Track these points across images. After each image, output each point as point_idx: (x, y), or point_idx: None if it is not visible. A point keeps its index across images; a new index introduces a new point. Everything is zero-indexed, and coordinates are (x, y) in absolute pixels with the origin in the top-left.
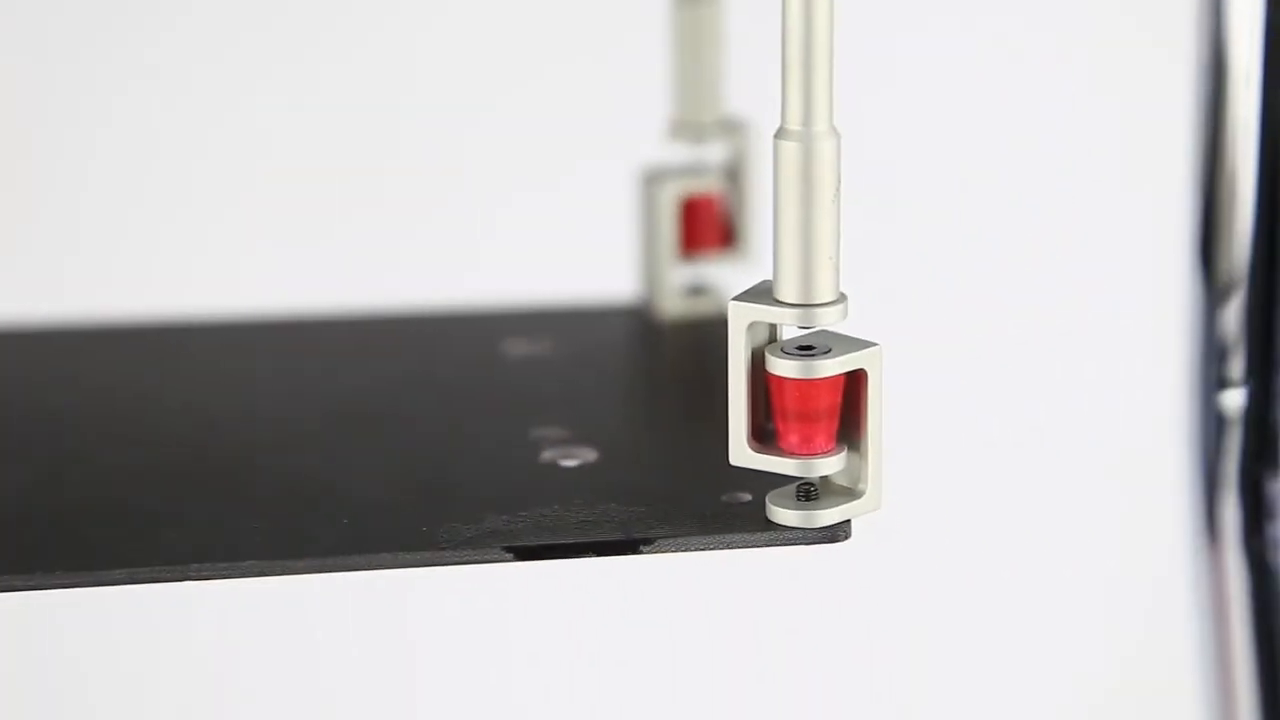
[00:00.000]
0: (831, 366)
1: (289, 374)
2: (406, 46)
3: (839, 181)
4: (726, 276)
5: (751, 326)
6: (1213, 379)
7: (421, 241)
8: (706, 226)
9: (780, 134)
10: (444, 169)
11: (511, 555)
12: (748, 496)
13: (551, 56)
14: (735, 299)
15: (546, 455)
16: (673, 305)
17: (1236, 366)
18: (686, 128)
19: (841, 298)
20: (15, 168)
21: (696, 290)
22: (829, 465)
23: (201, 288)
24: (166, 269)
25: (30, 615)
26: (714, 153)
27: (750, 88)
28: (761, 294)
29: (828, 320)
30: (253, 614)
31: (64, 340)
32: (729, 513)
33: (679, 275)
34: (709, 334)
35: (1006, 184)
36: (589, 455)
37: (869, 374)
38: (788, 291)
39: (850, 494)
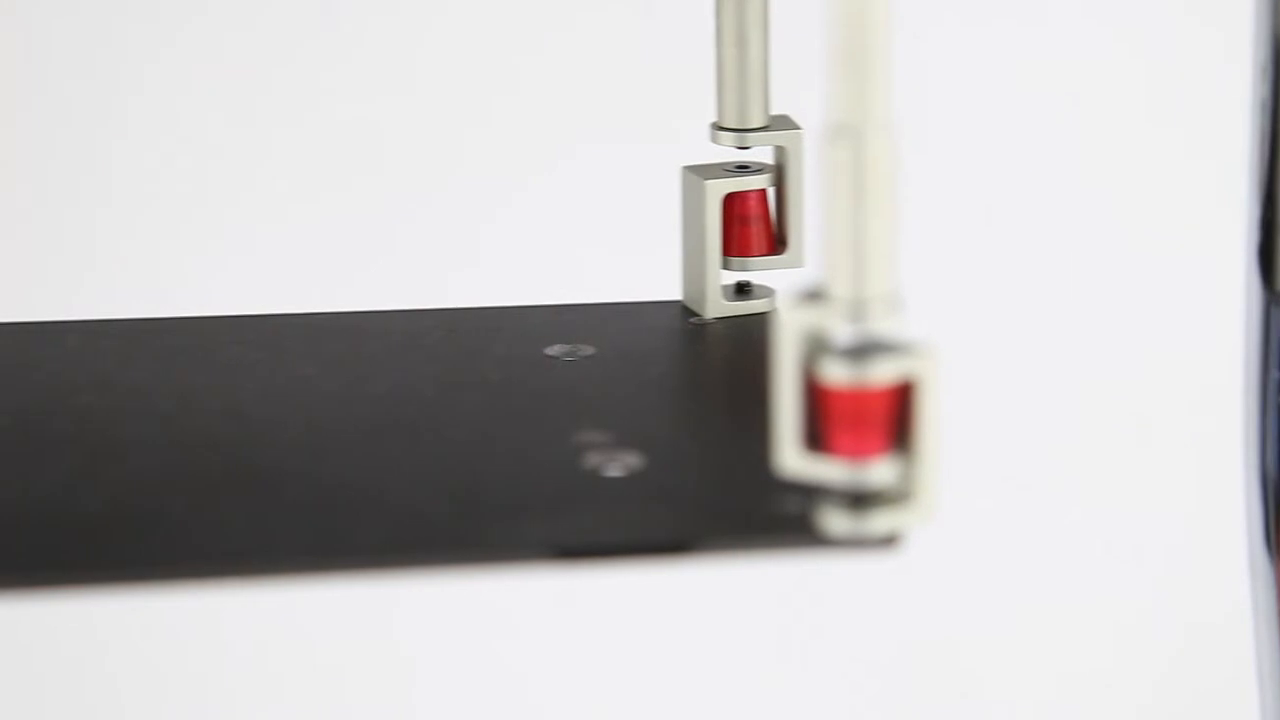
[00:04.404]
0: (884, 372)
1: (327, 374)
2: (452, 45)
3: (892, 179)
4: (772, 277)
5: (800, 329)
6: (1274, 386)
7: (463, 240)
8: (751, 226)
9: (829, 131)
10: (487, 168)
11: (556, 558)
12: (796, 503)
13: (598, 55)
14: (782, 300)
15: (589, 459)
16: (717, 305)
17: None
18: (732, 126)
19: (894, 298)
20: (45, 167)
21: (741, 290)
22: (880, 473)
23: (240, 285)
24: (206, 266)
25: (62, 618)
26: (760, 151)
27: (797, 85)
28: (810, 295)
29: (880, 321)
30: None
31: (99, 338)
32: (776, 520)
33: (723, 275)
34: (754, 335)
35: (1062, 184)
36: (633, 459)
37: (924, 379)
38: (838, 291)
39: (903, 501)
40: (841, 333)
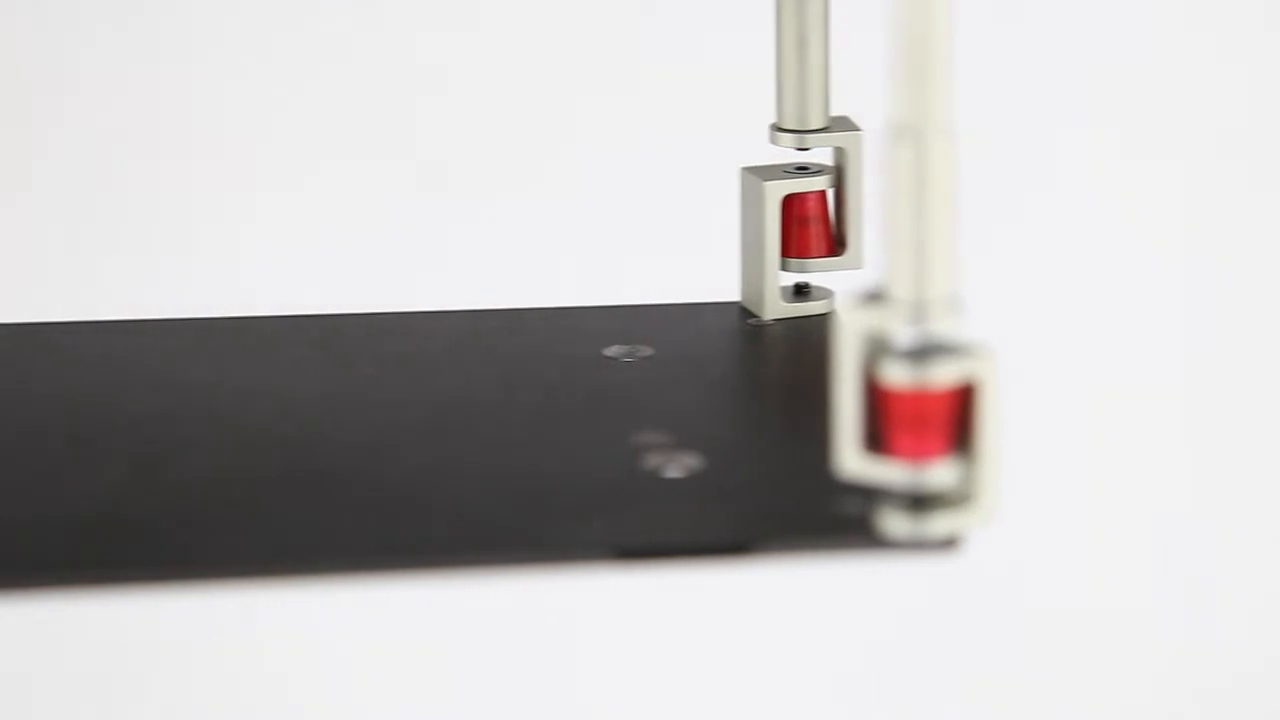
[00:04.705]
0: (945, 374)
1: (387, 374)
2: (511, 43)
3: (953, 181)
4: (830, 278)
5: (860, 331)
6: None
7: (522, 240)
8: (810, 227)
9: (891, 133)
10: (547, 167)
11: (616, 559)
12: (856, 505)
13: (658, 54)
14: (843, 302)
15: (649, 460)
16: (775, 307)
17: None
18: (791, 127)
19: (955, 299)
20: (101, 166)
21: (799, 292)
22: (940, 475)
23: (300, 285)
24: (265, 266)
25: (120, 618)
26: (819, 152)
27: (858, 86)
28: (870, 297)
29: (941, 323)
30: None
31: (158, 337)
32: (836, 521)
33: (782, 276)
34: (812, 336)
35: (1123, 182)
36: (692, 460)
37: (985, 381)
38: (899, 293)
39: (964, 503)
40: (902, 334)
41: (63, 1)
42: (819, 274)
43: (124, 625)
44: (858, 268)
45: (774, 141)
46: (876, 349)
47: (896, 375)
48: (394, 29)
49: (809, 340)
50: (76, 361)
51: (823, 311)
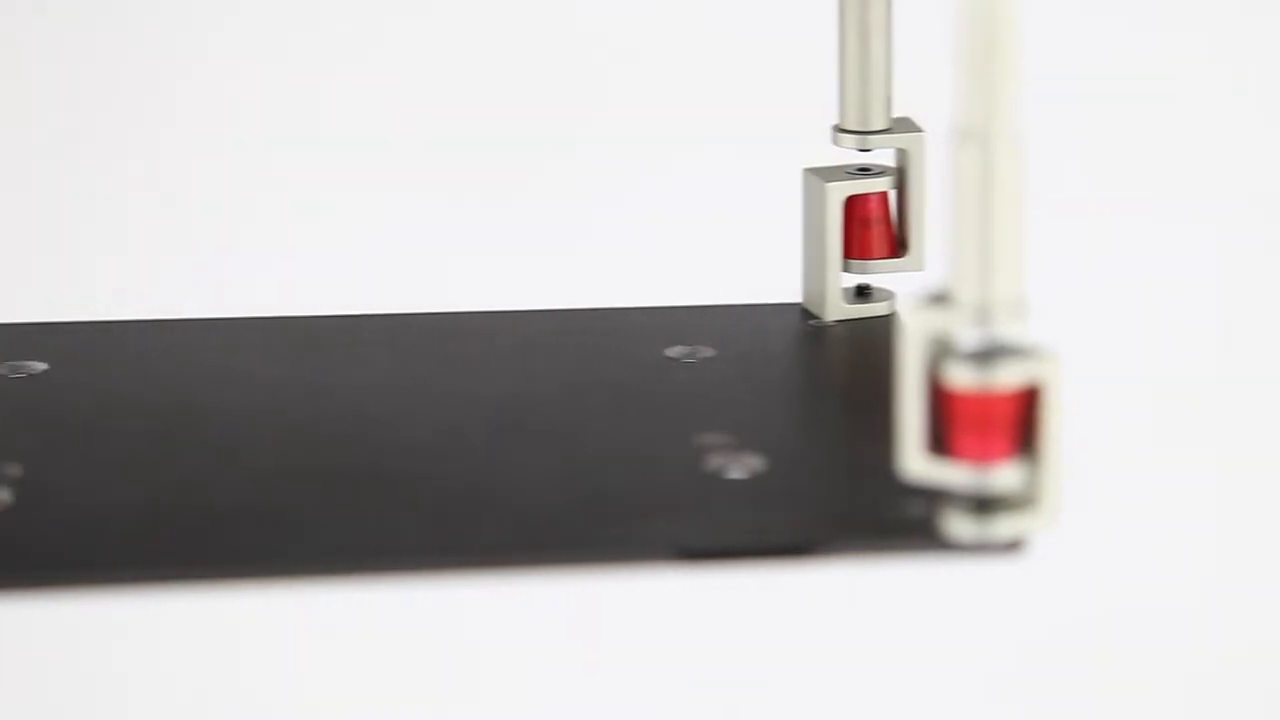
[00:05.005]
0: (1010, 376)
1: (450, 374)
2: (572, 42)
3: (1019, 183)
4: (892, 280)
5: (924, 332)
6: None
7: (583, 241)
8: (872, 228)
9: (957, 135)
10: (608, 167)
11: (679, 559)
12: (919, 507)
13: (720, 54)
14: (907, 304)
15: (711, 461)
16: (837, 308)
17: None
18: (853, 128)
19: (1020, 302)
20: (167, 168)
21: (861, 293)
22: (1005, 477)
23: (363, 284)
24: (331, 265)
25: (187, 612)
26: (881, 153)
27: (920, 86)
28: (935, 298)
29: (1006, 325)
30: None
31: (225, 335)
32: (900, 523)
33: (843, 277)
34: (874, 338)
35: (1188, 180)
36: (754, 461)
37: (1049, 384)
38: (963, 295)
39: (1027, 506)
40: (966, 336)
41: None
42: (880, 275)
43: (191, 620)
44: (919, 269)
45: (836, 143)
46: (940, 351)
47: (961, 377)
48: (458, 23)
49: (871, 342)
50: (146, 359)
51: (884, 313)
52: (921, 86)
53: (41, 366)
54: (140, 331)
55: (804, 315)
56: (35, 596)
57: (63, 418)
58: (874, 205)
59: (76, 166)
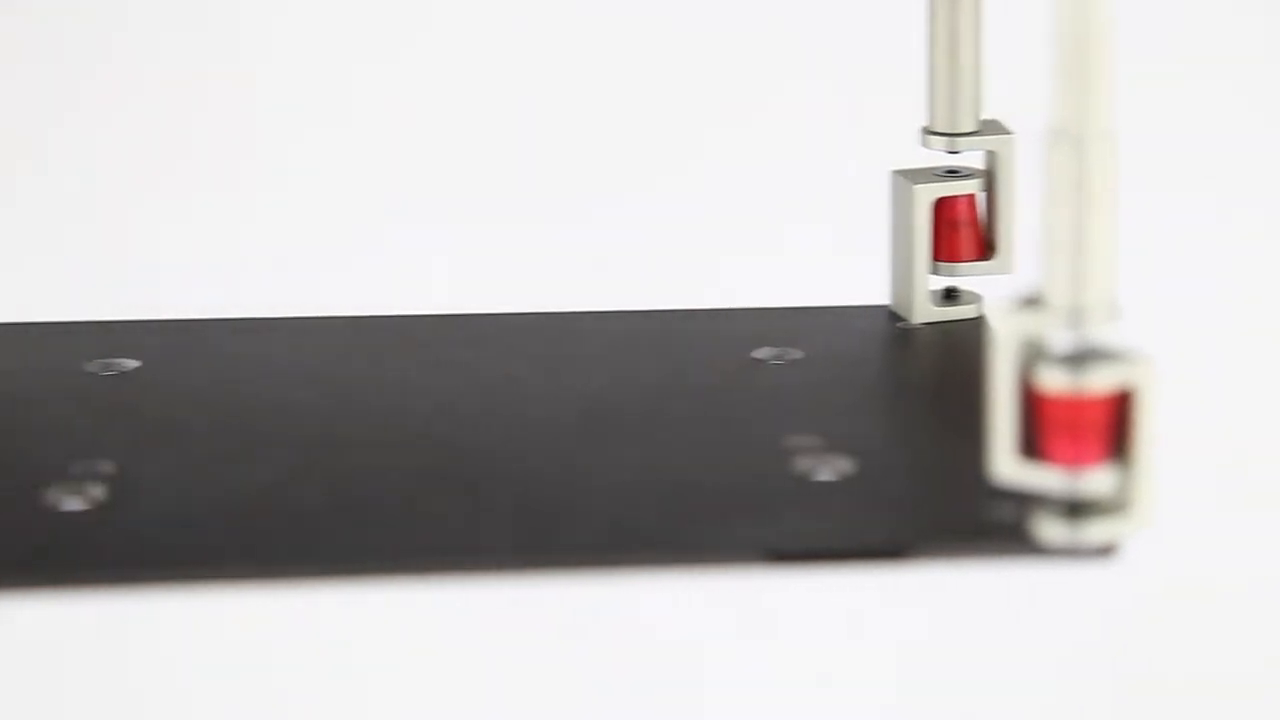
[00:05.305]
0: (1102, 379)
1: (537, 373)
2: (663, 43)
3: (1113, 185)
4: (980, 282)
5: (1016, 336)
6: None
7: (670, 242)
8: (960, 230)
9: (1051, 137)
10: (696, 169)
11: (768, 561)
12: (1010, 511)
13: (809, 56)
14: (999, 306)
15: (800, 463)
16: (925, 310)
17: None
18: (942, 130)
19: (1113, 305)
20: (250, 170)
21: (949, 295)
22: (1097, 481)
23: (451, 284)
24: (419, 266)
25: (275, 609)
26: (970, 156)
27: (1009, 88)
28: (1027, 301)
29: (1099, 328)
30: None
31: (314, 335)
32: (990, 527)
33: (931, 280)
34: (962, 340)
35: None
36: (843, 463)
37: (1142, 387)
38: (1056, 298)
39: (1119, 510)
40: (1058, 339)
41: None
42: (968, 278)
43: (279, 616)
44: (1007, 272)
45: (925, 144)
46: (1032, 354)
47: (1053, 381)
48: (538, 24)
49: (958, 344)
50: (236, 358)
51: (972, 316)
52: (1011, 88)
53: (133, 364)
54: (230, 330)
55: (891, 318)
56: (126, 592)
57: (154, 415)
58: (962, 207)
59: (167, 167)
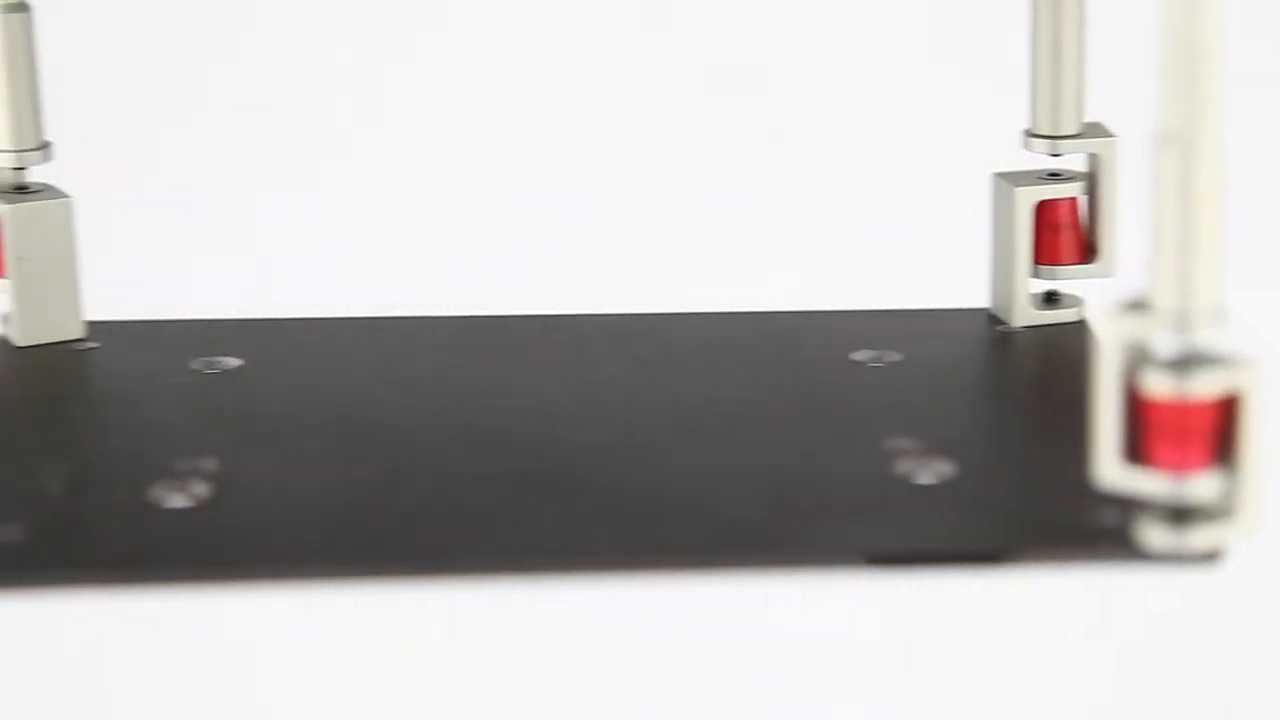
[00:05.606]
0: (1208, 384)
1: (636, 375)
2: (776, 46)
3: (1221, 189)
4: (1081, 286)
5: (1120, 340)
6: None
7: (770, 244)
8: (1062, 234)
9: (1158, 140)
10: (798, 171)
11: (869, 564)
12: (1114, 516)
13: (911, 57)
14: (1104, 310)
15: (900, 465)
16: (1025, 314)
17: None
18: (1045, 133)
19: (1219, 309)
20: (352, 172)
21: (1050, 299)
22: (1203, 487)
23: (548, 285)
24: (516, 266)
25: (370, 609)
26: (1072, 158)
27: (1112, 91)
28: (1131, 305)
29: (1205, 332)
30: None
31: (412, 335)
32: (1093, 532)
33: (1032, 283)
34: (1063, 344)
35: None
36: (943, 466)
37: (1247, 392)
38: (1162, 302)
39: (1225, 515)
40: (1164, 344)
41: None
42: (1069, 281)
43: (378, 615)
44: (1109, 275)
45: (1026, 147)
46: (1137, 358)
47: (1159, 385)
48: (621, 26)
49: (1059, 348)
50: (338, 356)
51: (1073, 319)
52: (1114, 91)
53: (236, 363)
54: (332, 329)
55: (991, 321)
56: (230, 589)
57: (257, 413)
58: (1064, 210)
59: (270, 166)
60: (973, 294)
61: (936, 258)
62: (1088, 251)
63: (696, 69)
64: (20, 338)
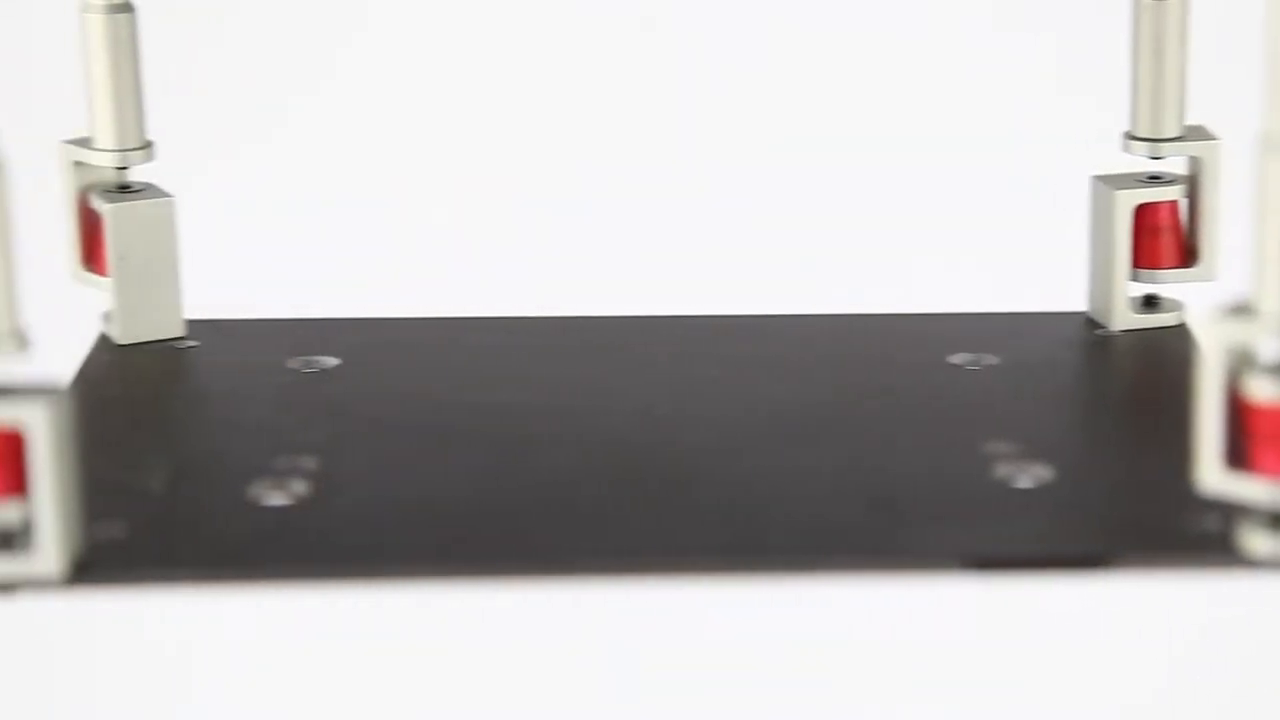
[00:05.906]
0: None
1: (734, 376)
2: (876, 43)
3: None
4: (1181, 290)
5: (1224, 344)
6: None
7: (868, 245)
8: (1162, 237)
9: (1265, 143)
10: (896, 175)
11: (969, 568)
12: (1216, 521)
13: (1011, 59)
14: (1206, 315)
15: (999, 469)
16: (1124, 317)
17: None
18: (1145, 135)
19: None
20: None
21: (1149, 303)
22: None
23: (648, 286)
24: (617, 268)
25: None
26: (1172, 161)
27: (1215, 93)
28: (1235, 310)
29: None
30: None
31: (514, 334)
32: (1194, 537)
33: (1131, 287)
34: (1162, 349)
35: None
36: (1042, 470)
37: None
38: (1267, 306)
39: None
40: (1268, 348)
41: None
42: (1169, 285)
43: (476, 614)
44: (1209, 279)
45: (1127, 150)
46: (1240, 363)
47: (1263, 391)
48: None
49: (1159, 352)
50: (434, 355)
51: (1173, 324)
52: (1217, 93)
53: (334, 362)
54: (428, 328)
55: (1089, 324)
56: (328, 586)
57: (354, 412)
58: (1164, 214)
59: (377, 169)
60: (1071, 298)
61: (1036, 261)
62: (1188, 255)
63: (797, 68)
64: (121, 336)
